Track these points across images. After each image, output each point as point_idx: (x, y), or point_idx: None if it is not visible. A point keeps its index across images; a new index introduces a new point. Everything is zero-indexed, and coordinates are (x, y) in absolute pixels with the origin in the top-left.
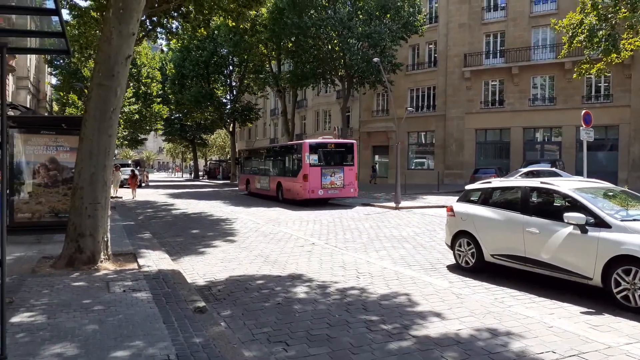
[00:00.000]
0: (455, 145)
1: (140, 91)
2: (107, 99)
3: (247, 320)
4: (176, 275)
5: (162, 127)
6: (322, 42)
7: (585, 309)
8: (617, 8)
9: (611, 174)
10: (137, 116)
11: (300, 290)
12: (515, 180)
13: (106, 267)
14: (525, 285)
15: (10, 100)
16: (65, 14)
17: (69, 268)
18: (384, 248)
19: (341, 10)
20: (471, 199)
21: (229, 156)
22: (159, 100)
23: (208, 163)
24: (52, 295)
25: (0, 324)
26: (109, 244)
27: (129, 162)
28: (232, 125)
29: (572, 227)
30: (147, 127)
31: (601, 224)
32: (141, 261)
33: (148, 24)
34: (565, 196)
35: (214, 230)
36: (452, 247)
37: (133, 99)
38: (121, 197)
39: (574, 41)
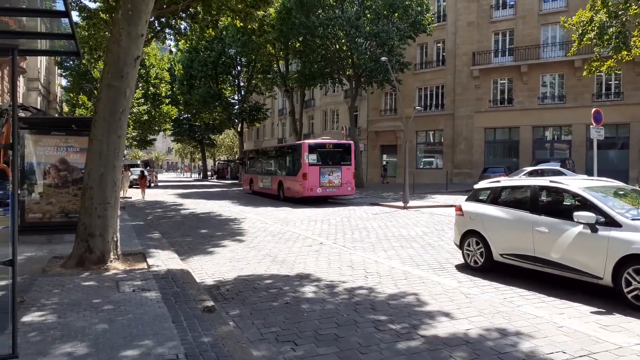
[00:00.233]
0: (464, 144)
1: (149, 92)
2: (117, 99)
3: (256, 320)
4: (185, 275)
5: (171, 127)
6: (329, 41)
7: (596, 309)
8: (628, 5)
9: (622, 173)
10: (146, 117)
11: (309, 290)
12: (525, 179)
13: (116, 266)
14: (535, 284)
15: (21, 102)
16: (75, 15)
17: (79, 268)
18: (392, 247)
19: (349, 10)
20: (480, 198)
21: (237, 156)
22: (167, 101)
23: (216, 163)
24: (63, 294)
25: (11, 323)
26: (118, 243)
27: (138, 162)
28: (240, 125)
29: (582, 226)
30: (156, 128)
31: (612, 223)
32: (150, 261)
33: (157, 25)
34: (575, 195)
35: (222, 230)
36: (460, 246)
37: (142, 100)
38: (130, 197)
39: (584, 39)
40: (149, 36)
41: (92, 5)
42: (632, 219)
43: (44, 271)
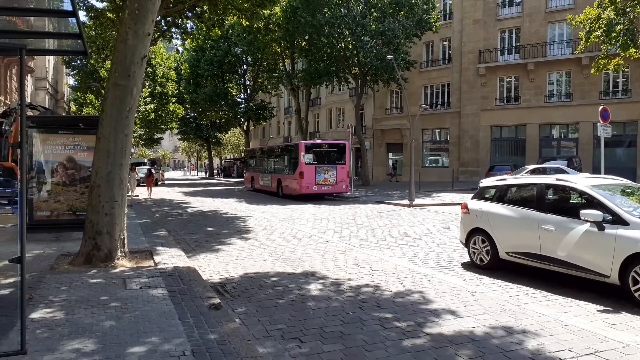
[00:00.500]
0: (470, 142)
1: (156, 91)
2: (124, 98)
3: (262, 317)
4: (191, 273)
5: (178, 126)
6: (335, 40)
7: (602, 307)
8: (636, 2)
9: (629, 171)
10: (152, 115)
11: (314, 288)
12: (531, 177)
13: (123, 264)
14: (541, 283)
15: (29, 101)
16: (82, 15)
17: (87, 265)
18: (398, 246)
19: (355, 8)
20: (486, 196)
21: (243, 154)
22: (174, 99)
23: (223, 161)
24: (71, 291)
25: (20, 319)
26: (125, 241)
27: (145, 160)
28: (246, 123)
29: (588, 224)
30: (163, 127)
31: (618, 221)
32: (157, 258)
33: (163, 24)
34: (581, 193)
35: (228, 228)
36: (466, 244)
37: (149, 99)
38: (137, 196)
39: (591, 36)
40: (156, 35)
41: (99, 5)
42: None
43: (52, 268)
